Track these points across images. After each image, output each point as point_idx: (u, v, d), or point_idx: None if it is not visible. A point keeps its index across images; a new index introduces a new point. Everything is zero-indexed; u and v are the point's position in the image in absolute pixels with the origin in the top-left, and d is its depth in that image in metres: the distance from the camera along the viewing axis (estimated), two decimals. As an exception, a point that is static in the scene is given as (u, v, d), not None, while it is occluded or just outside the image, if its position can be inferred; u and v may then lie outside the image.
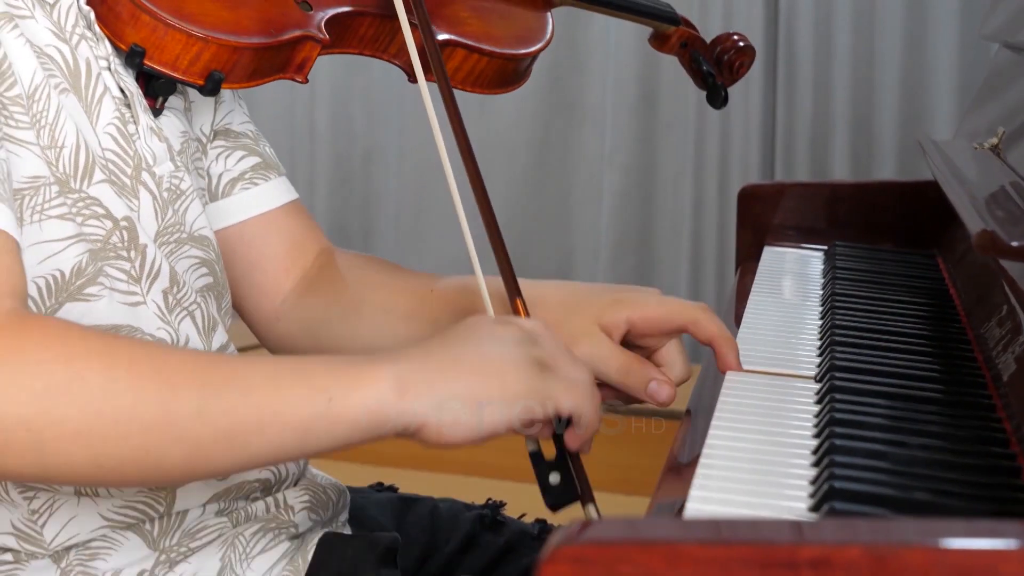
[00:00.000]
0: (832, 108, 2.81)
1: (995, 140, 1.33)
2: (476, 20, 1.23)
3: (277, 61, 1.10)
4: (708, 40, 1.45)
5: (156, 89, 1.09)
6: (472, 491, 1.59)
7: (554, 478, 0.97)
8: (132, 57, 1.05)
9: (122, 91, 1.06)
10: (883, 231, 1.59)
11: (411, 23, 1.12)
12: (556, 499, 0.97)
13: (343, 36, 1.16)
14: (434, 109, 1.07)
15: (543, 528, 1.30)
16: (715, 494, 0.83)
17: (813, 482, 0.84)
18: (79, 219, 1.01)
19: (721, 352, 1.08)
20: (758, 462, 0.89)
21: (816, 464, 0.87)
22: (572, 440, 0.96)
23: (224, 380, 0.88)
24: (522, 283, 1.05)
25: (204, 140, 1.19)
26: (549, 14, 1.31)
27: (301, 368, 0.90)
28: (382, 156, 3.20)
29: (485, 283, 1.04)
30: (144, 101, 1.08)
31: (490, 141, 3.02)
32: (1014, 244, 0.93)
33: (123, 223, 1.03)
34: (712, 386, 1.08)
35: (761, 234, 1.59)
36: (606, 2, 1.39)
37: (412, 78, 1.19)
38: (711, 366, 1.11)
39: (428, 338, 0.95)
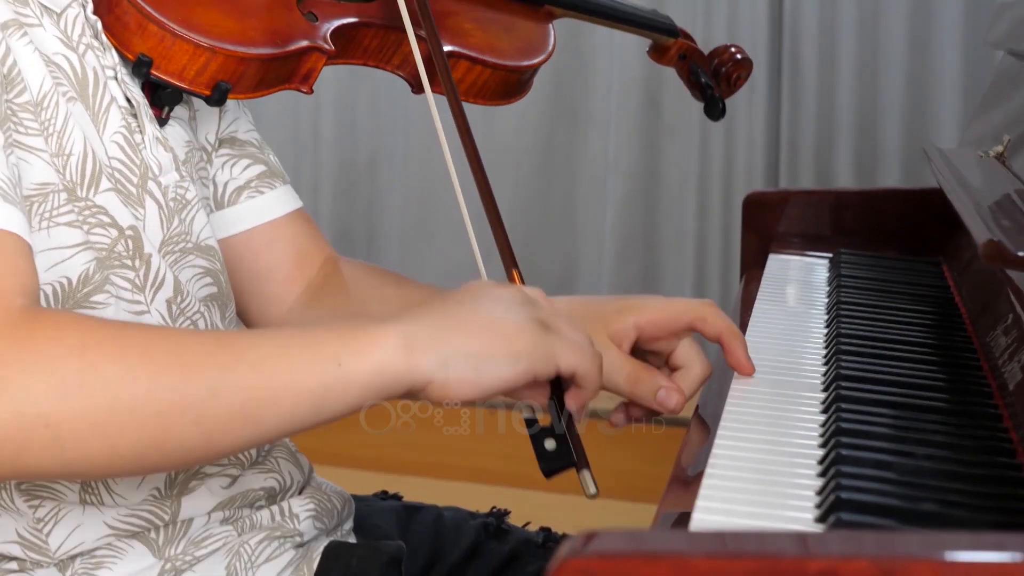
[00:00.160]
0: (836, 114, 2.81)
1: (1000, 148, 1.33)
2: (479, 32, 1.23)
3: (283, 72, 1.11)
4: (706, 52, 1.46)
5: (162, 99, 1.09)
6: (475, 498, 1.59)
7: (549, 444, 0.98)
8: (139, 67, 1.05)
9: (128, 101, 1.06)
10: (888, 238, 1.59)
11: (418, 35, 1.13)
12: (551, 465, 0.99)
13: (348, 47, 1.16)
14: (442, 119, 1.07)
15: (548, 536, 1.30)
16: (721, 504, 0.83)
17: (820, 492, 0.84)
18: (86, 227, 1.01)
19: (730, 347, 1.08)
20: (764, 472, 0.89)
21: (822, 474, 0.87)
22: (573, 400, 0.97)
23: (234, 357, 0.89)
24: None
25: (209, 148, 1.19)
26: (551, 26, 1.31)
27: (309, 337, 0.91)
28: (387, 161, 3.20)
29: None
30: (150, 111, 1.08)
31: (494, 147, 3.02)
32: (1021, 254, 0.93)
33: (128, 232, 1.03)
34: (717, 393, 1.08)
35: (766, 241, 1.59)
36: (606, 14, 1.40)
37: (415, 89, 1.19)
38: (716, 372, 1.12)
39: (430, 301, 0.96)
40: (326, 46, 1.12)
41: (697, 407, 1.10)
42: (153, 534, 1.05)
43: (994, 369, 1.08)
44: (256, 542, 1.09)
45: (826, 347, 1.18)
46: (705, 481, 0.86)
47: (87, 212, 1.01)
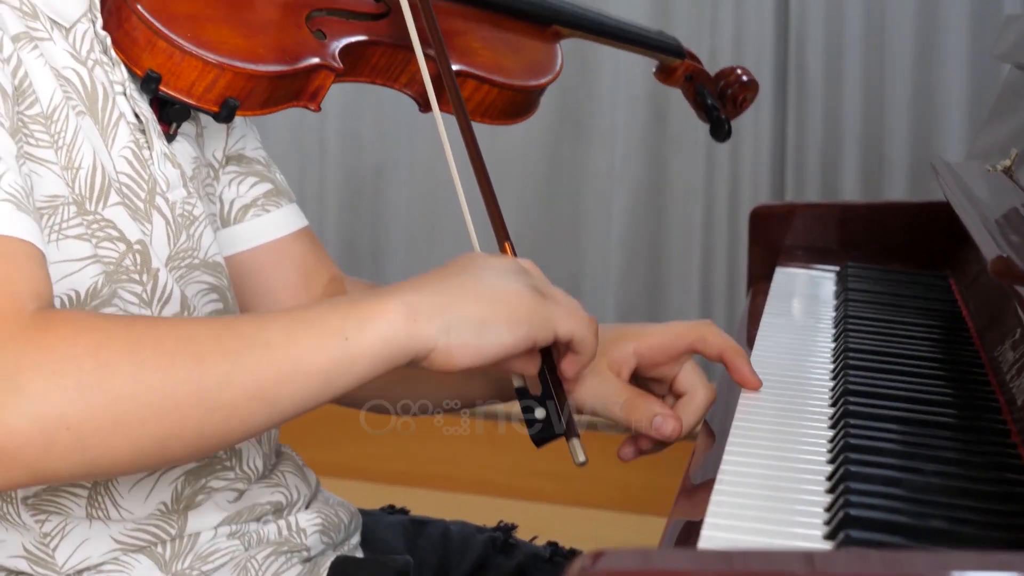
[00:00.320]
0: (843, 127, 2.81)
1: (1008, 162, 1.33)
2: (487, 51, 1.23)
3: (291, 89, 1.11)
4: (712, 74, 1.46)
5: (170, 115, 1.09)
6: (482, 510, 1.59)
7: (540, 413, 1.00)
8: (148, 83, 1.05)
9: (137, 116, 1.06)
10: (894, 252, 1.59)
11: (426, 54, 1.13)
12: (541, 433, 1.00)
13: (356, 65, 1.17)
14: (449, 136, 1.08)
15: (555, 551, 1.30)
16: (729, 521, 0.83)
17: (828, 509, 0.84)
18: (94, 240, 1.01)
19: (733, 364, 1.08)
20: (772, 488, 0.88)
21: (831, 491, 0.87)
22: (569, 365, 0.98)
23: (244, 342, 0.90)
24: None
25: (216, 165, 1.19)
26: (558, 46, 1.31)
27: (312, 315, 0.92)
28: (392, 173, 3.20)
29: None
30: (158, 127, 1.08)
31: (500, 159, 3.02)
32: (1029, 270, 0.93)
33: (136, 246, 1.04)
34: (725, 407, 1.08)
35: (773, 254, 1.59)
36: (613, 35, 1.41)
37: (423, 108, 1.19)
38: (721, 389, 1.11)
39: (426, 273, 0.97)
40: (335, 64, 1.13)
41: (705, 421, 1.10)
42: (160, 549, 1.05)
43: (1002, 384, 1.08)
44: (263, 557, 1.09)
45: (834, 361, 1.18)
46: (714, 497, 0.86)
47: (96, 226, 1.01)
